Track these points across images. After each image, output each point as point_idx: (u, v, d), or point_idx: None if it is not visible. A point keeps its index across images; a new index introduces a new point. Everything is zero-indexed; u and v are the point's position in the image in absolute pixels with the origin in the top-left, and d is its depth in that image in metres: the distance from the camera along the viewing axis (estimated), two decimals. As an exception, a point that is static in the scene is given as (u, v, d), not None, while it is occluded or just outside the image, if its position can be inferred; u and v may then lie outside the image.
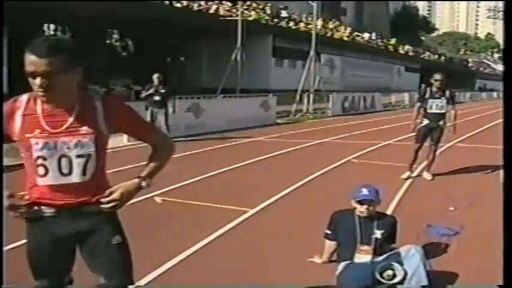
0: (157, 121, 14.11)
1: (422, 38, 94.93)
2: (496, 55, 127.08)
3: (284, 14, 42.76)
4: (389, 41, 61.20)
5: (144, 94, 14.24)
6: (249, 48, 32.17)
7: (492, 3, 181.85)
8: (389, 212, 7.08)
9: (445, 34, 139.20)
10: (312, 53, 26.27)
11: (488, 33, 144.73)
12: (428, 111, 9.11)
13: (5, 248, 4.94)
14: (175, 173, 9.42)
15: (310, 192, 8.32)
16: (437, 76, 9.09)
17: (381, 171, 10.13)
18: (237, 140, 14.71)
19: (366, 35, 56.51)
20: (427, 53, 73.07)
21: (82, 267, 2.79)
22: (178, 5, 29.98)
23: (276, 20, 38.29)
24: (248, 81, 30.21)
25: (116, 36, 40.57)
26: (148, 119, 14.04)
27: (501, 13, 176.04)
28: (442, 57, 79.72)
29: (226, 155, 12.30)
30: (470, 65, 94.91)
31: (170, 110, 14.28)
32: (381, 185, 8.74)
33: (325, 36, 42.32)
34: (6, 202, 2.52)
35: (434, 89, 9.07)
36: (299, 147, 13.41)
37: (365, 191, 4.50)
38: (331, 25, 47.58)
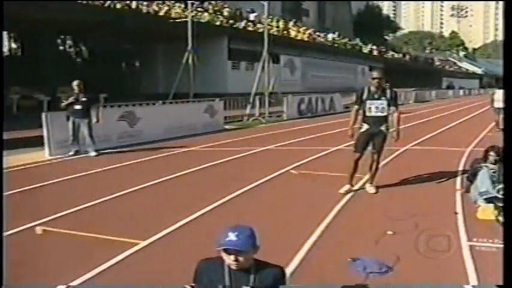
0: (80, 132, 12.69)
1: (387, 37, 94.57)
2: (461, 53, 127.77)
3: (252, 17, 41.67)
4: (351, 41, 60.40)
5: (64, 103, 12.73)
6: (203, 51, 30.87)
7: (455, 2, 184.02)
8: (314, 237, 5.77)
9: (410, 33, 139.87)
10: (264, 53, 24.88)
11: (453, 32, 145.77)
12: (367, 114, 7.80)
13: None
14: (69, 197, 8.03)
15: (220, 217, 6.83)
16: (374, 74, 7.82)
17: (318, 184, 8.80)
18: (169, 151, 13.19)
19: (330, 36, 55.63)
20: (391, 52, 72.45)
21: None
22: (119, 5, 28.43)
23: (231, 21, 36.87)
24: (204, 85, 28.94)
25: (69, 42, 39.19)
26: (70, 130, 12.61)
27: (464, 11, 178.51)
28: (407, 56, 79.30)
29: (142, 171, 10.68)
30: (437, 63, 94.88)
31: (94, 119, 12.78)
32: (312, 202, 7.64)
33: (284, 37, 41.21)
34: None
35: (372, 88, 7.77)
36: (235, 157, 11.98)
37: (232, 237, 3.10)
38: (291, 26, 46.37)
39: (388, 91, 7.80)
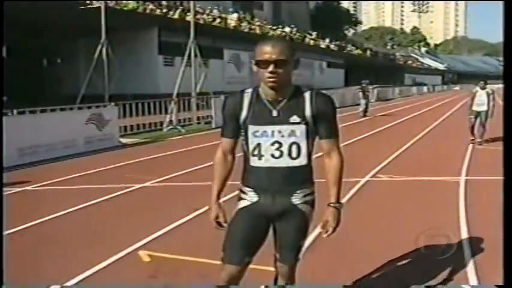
0: None
1: (347, 32, 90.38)
2: (423, 49, 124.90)
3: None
4: (308, 34, 55.94)
5: None
6: (127, 44, 25.98)
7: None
8: None
9: (371, 29, 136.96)
10: (190, 43, 19.93)
11: (414, 27, 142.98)
12: (254, 164, 2.91)
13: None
14: None
15: None
16: (266, 48, 2.74)
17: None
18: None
19: (287, 30, 51.22)
20: (351, 47, 68.18)
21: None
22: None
23: (165, 10, 31.69)
24: (130, 84, 24.30)
25: (-16, 38, 33.65)
26: None
27: (425, 6, 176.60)
28: (368, 52, 75.22)
29: None
30: (399, 59, 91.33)
31: None
32: None
33: (227, 28, 36.46)
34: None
35: (264, 92, 2.88)
36: (79, 207, 6.92)
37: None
38: (231, 19, 41.39)
39: (307, 97, 2.88)
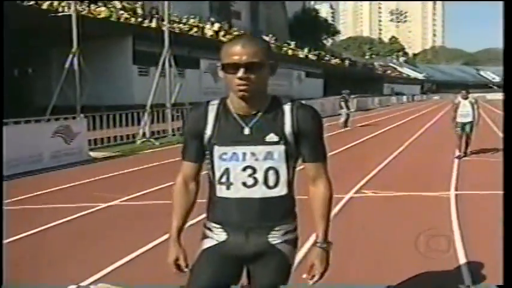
0: None
1: (326, 42, 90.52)
2: (402, 58, 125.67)
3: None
4: (287, 44, 55.71)
5: None
6: (100, 54, 25.23)
7: (394, 3, 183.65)
8: None
9: (349, 39, 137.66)
10: (164, 53, 19.32)
11: (393, 37, 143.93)
12: (221, 195, 2.32)
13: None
14: None
15: None
16: (232, 47, 2.24)
17: None
18: None
19: (267, 39, 50.92)
20: (330, 57, 68.08)
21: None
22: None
23: (140, 19, 31.05)
24: (104, 95, 23.52)
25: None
26: None
27: (403, 16, 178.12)
28: (347, 62, 75.21)
29: None
30: (378, 69, 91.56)
31: None
32: None
33: (203, 38, 35.97)
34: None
35: (234, 104, 2.33)
36: (31, 232, 6.25)
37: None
38: (209, 28, 40.86)
39: (287, 110, 2.29)
